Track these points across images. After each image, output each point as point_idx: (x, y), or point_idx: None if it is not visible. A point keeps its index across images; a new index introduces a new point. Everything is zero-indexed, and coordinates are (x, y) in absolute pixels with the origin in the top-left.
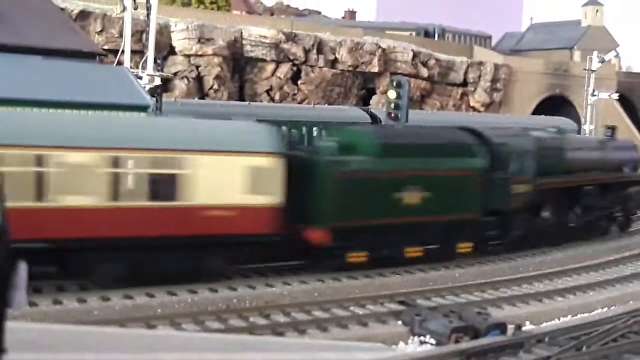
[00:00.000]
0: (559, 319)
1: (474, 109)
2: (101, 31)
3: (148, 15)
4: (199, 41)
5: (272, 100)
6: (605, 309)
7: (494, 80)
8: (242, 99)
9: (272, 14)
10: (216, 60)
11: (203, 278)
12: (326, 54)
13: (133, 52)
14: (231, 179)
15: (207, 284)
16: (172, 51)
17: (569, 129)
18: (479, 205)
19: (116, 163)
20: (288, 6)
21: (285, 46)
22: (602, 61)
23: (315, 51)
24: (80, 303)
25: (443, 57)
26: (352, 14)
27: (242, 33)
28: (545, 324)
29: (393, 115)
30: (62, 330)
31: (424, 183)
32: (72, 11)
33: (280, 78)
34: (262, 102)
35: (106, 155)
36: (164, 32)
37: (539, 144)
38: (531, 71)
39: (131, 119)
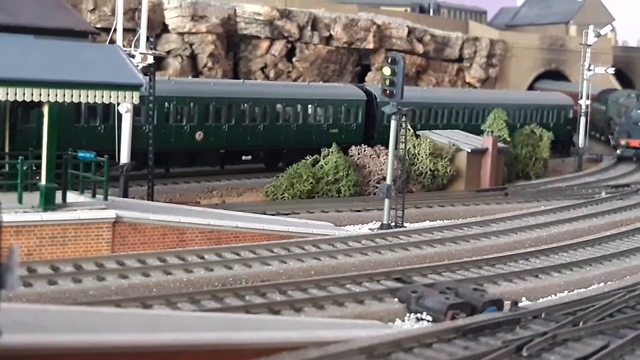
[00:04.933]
0: (555, 295)
1: (470, 85)
2: (93, 9)
3: None
4: (192, 18)
5: (267, 77)
6: (602, 284)
7: (490, 56)
8: (236, 76)
9: None
10: (210, 37)
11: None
12: (320, 31)
13: (125, 30)
14: None
15: (203, 262)
16: (165, 29)
17: (565, 104)
18: None
19: None
20: None
21: (279, 23)
22: (598, 35)
23: (309, 28)
24: (75, 283)
25: (438, 32)
26: None
27: (235, 10)
28: (541, 300)
29: (388, 91)
30: (57, 310)
31: None
32: None
33: (274, 55)
34: (256, 79)
35: None
36: (156, 9)
37: None
38: (527, 46)
39: None
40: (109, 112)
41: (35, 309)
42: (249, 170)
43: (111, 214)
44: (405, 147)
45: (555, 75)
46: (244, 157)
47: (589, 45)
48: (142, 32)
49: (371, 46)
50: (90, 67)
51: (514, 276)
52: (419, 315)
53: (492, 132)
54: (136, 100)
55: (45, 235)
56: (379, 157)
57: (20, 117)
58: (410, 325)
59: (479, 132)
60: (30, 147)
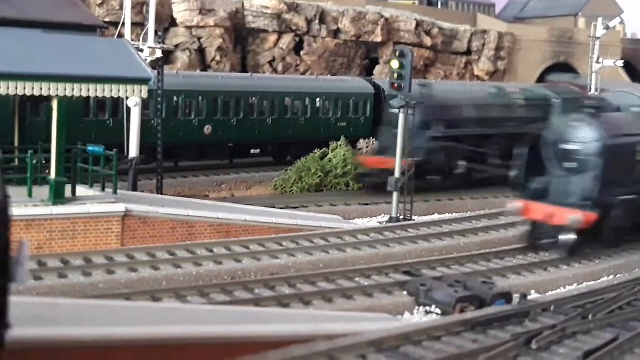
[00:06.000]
0: (565, 288)
1: (478, 78)
2: (101, 3)
3: None
4: (200, 12)
5: (275, 71)
6: (611, 277)
7: (498, 49)
8: (244, 70)
9: None
10: (218, 31)
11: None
12: (328, 24)
13: (134, 25)
14: None
15: (212, 256)
16: (173, 23)
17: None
18: None
19: None
20: None
21: (287, 16)
22: (607, 28)
23: (317, 21)
24: (85, 276)
25: (446, 25)
26: None
27: (243, 3)
28: (550, 293)
29: (396, 85)
30: (67, 303)
31: None
32: None
33: (282, 49)
34: (264, 73)
35: None
36: (164, 3)
37: None
38: (535, 39)
39: None
40: (117, 106)
41: (46, 303)
42: (257, 163)
43: (120, 207)
44: None
45: (564, 68)
46: (252, 151)
47: (598, 38)
48: (151, 26)
49: (379, 39)
50: (99, 62)
51: (523, 269)
52: (427, 308)
53: None
54: (145, 94)
55: (55, 229)
56: None
57: (30, 111)
58: (419, 318)
59: None
60: (40, 141)
